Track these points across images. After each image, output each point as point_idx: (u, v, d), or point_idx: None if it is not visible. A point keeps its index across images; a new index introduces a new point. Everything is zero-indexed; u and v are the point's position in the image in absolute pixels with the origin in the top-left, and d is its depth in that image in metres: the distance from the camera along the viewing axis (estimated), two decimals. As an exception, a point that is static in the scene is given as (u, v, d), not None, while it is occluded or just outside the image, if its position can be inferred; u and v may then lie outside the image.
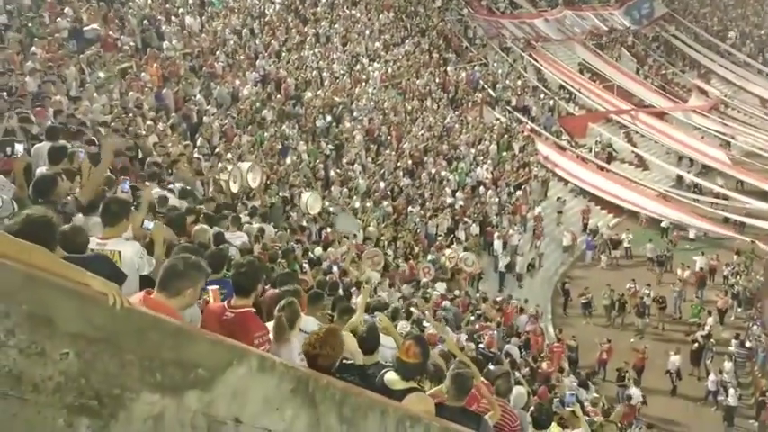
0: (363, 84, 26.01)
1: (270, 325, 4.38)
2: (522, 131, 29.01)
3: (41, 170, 6.18)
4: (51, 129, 7.76)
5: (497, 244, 22.38)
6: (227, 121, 18.98)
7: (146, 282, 4.19)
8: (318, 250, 13.78)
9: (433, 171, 23.80)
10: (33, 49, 14.10)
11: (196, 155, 15.29)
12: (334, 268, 12.30)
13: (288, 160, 19.37)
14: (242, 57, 22.63)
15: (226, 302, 4.13)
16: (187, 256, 3.45)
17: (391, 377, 3.97)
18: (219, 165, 14.93)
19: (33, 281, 2.45)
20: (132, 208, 5.43)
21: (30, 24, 15.82)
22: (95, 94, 13.79)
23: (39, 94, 11.14)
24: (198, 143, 16.86)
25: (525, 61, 34.32)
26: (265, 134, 19.94)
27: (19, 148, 6.06)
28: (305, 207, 16.31)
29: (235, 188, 13.82)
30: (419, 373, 4.16)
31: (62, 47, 15.74)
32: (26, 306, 2.38)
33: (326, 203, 18.08)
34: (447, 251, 20.03)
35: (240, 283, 4.11)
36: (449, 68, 30.52)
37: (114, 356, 2.59)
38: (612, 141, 30.71)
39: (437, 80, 29.35)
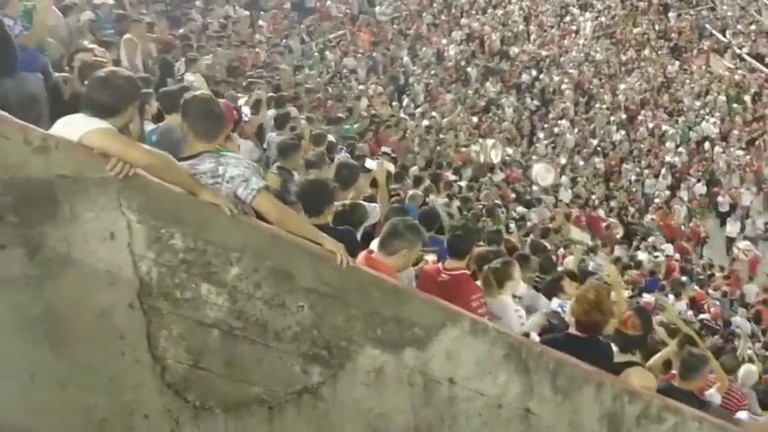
0: (573, 35, 24.65)
1: None
2: (757, 81, 25.43)
3: (272, 135, 6.84)
4: (279, 98, 8.54)
5: (725, 205, 20.17)
6: (431, 81, 19.25)
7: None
8: (521, 209, 13.52)
9: (652, 125, 21.98)
10: (260, 21, 15.39)
11: (402, 115, 15.79)
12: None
13: (490, 117, 19.19)
14: (446, 17, 22.62)
15: (441, 264, 4.20)
16: (407, 218, 3.60)
17: (608, 349, 3.78)
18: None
19: (278, 240, 2.71)
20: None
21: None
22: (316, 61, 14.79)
23: (267, 63, 12.19)
24: (404, 103, 17.36)
25: (760, 3, 29.78)
26: (468, 92, 19.91)
27: (246, 110, 6.86)
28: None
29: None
30: (638, 346, 3.91)
31: (286, 18, 16.99)
32: (271, 262, 2.65)
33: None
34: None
35: (456, 246, 4.15)
36: (670, 14, 27.67)
37: (341, 311, 2.80)
38: None
39: (656, 28, 26.80)
